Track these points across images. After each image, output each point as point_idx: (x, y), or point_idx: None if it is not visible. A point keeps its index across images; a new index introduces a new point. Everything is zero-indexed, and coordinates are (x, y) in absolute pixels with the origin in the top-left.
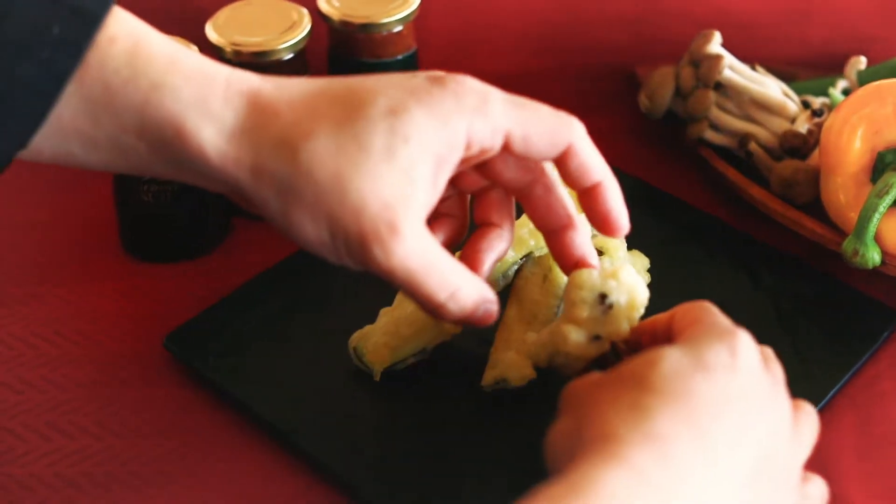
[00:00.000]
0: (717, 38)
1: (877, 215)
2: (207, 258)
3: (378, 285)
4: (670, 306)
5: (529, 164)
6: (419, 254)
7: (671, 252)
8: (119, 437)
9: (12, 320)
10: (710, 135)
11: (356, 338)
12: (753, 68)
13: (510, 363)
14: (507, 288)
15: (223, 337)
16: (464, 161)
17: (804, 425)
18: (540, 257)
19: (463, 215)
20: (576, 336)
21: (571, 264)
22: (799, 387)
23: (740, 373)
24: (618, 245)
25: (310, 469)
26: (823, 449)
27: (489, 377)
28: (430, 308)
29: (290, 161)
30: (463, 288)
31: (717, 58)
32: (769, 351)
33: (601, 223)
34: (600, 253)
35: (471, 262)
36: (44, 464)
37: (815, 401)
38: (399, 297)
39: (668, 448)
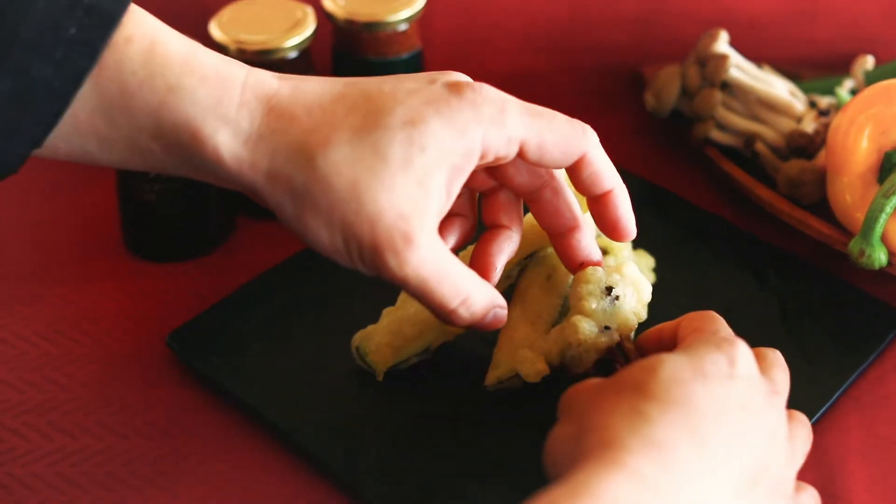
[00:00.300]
0: (723, 37)
1: (883, 216)
2: (209, 257)
3: (381, 285)
4: (676, 306)
5: (540, 170)
6: (432, 262)
7: (676, 252)
8: (120, 436)
9: (14, 320)
10: (716, 134)
11: (359, 337)
12: (760, 67)
13: (523, 359)
14: (510, 288)
15: (225, 336)
16: (477, 166)
17: (798, 435)
18: (543, 257)
19: (472, 214)
20: (586, 325)
21: (577, 265)
22: (804, 387)
23: (738, 382)
24: (622, 245)
25: (311, 469)
26: (828, 450)
27: (492, 377)
28: (442, 314)
29: (306, 168)
30: (474, 295)
31: (724, 57)
32: (779, 357)
33: (610, 229)
34: (605, 252)
35: (482, 265)
36: (45, 463)
37: (819, 402)
38: (402, 297)
39: (668, 454)
